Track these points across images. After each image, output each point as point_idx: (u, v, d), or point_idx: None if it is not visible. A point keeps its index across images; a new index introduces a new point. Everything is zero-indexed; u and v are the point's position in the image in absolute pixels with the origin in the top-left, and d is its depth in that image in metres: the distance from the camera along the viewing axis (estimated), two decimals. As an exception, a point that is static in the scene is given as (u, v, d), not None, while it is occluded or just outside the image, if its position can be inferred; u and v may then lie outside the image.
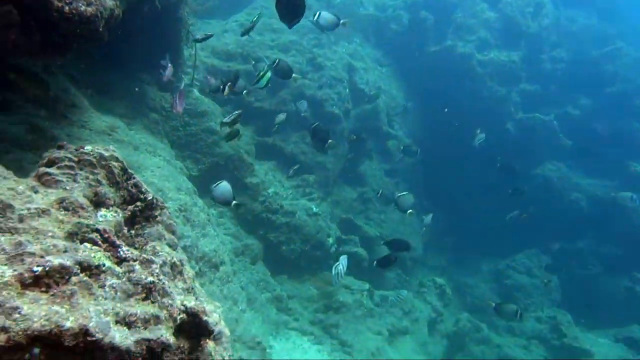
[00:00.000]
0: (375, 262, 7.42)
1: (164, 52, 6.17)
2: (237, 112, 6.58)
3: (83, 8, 3.10)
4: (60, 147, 2.20)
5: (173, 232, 2.43)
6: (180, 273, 2.31)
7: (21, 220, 1.72)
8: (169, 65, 6.26)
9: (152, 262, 2.03)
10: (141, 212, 2.32)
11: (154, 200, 2.36)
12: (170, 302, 1.99)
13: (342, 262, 6.82)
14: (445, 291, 10.33)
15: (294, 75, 7.33)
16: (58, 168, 2.09)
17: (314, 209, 9.19)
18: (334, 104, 9.92)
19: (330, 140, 6.24)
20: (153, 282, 1.98)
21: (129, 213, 2.30)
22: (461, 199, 12.71)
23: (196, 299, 2.43)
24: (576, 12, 15.52)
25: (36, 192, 1.93)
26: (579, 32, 14.77)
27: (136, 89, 6.26)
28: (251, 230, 8.65)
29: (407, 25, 12.13)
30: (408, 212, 7.67)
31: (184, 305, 2.07)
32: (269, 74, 6.48)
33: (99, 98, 5.61)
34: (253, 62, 8.88)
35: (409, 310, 9.38)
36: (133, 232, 2.28)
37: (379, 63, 12.10)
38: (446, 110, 10.51)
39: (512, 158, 12.43)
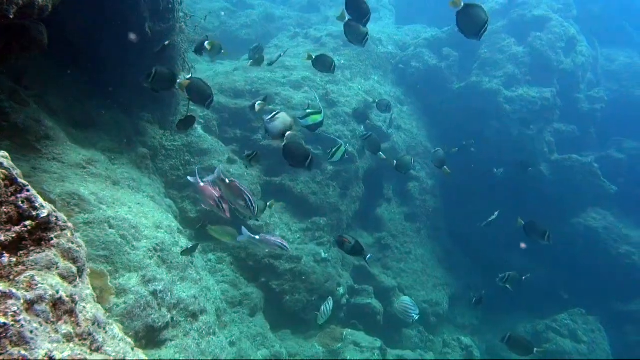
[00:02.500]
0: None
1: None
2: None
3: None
4: None
5: (74, 260, 1.99)
6: (70, 313, 1.83)
7: None
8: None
9: (11, 296, 1.59)
10: (30, 234, 1.90)
11: (50, 219, 1.94)
12: (24, 353, 1.52)
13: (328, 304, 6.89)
14: (472, 354, 9.27)
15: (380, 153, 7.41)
16: None
17: (323, 254, 8.61)
18: (347, 142, 9.57)
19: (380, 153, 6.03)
20: (4, 324, 1.52)
21: (14, 235, 1.89)
22: (491, 248, 11.79)
23: (94, 348, 1.93)
24: (615, 51, 14.99)
25: None
26: (620, 71, 14.15)
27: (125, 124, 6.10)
28: (252, 278, 8.13)
29: (429, 62, 11.92)
30: (443, 168, 7.21)
31: (49, 358, 1.59)
32: (343, 149, 6.38)
33: (83, 132, 5.46)
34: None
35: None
36: (14, 259, 1.86)
37: (399, 101, 11.81)
38: (472, 150, 9.97)
39: (547, 204, 11.60)
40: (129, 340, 2.41)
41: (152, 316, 4.40)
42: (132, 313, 4.21)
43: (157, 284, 4.60)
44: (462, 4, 3.80)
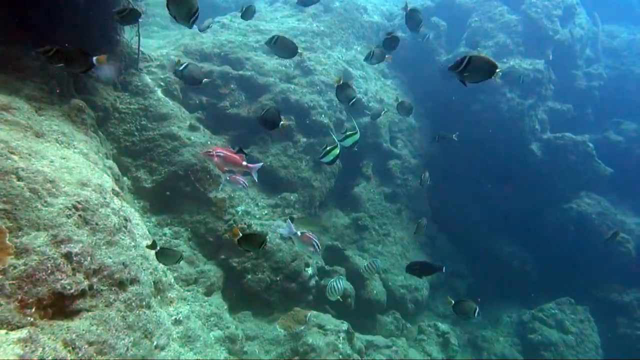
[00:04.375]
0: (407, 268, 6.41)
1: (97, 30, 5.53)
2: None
3: None
4: None
5: None
6: None
7: None
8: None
9: None
10: None
11: None
12: None
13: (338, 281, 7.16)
14: (449, 341, 8.88)
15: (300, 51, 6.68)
16: None
17: (291, 231, 8.15)
18: (322, 113, 9.09)
19: (283, 122, 5.43)
20: None
21: None
22: (477, 232, 11.40)
23: None
24: (617, 27, 14.48)
25: None
26: (621, 47, 13.66)
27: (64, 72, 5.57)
28: (212, 255, 7.68)
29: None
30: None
31: None
32: (337, 150, 6.05)
33: (3, 75, 4.95)
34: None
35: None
36: None
37: (382, 75, 11.31)
38: (455, 136, 9.50)
39: (537, 186, 11.18)
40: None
41: (62, 281, 3.93)
42: (35, 276, 3.74)
43: (72, 245, 4.12)
44: None
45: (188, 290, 7.08)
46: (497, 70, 3.64)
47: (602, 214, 11.68)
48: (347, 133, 6.53)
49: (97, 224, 4.62)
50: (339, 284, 7.09)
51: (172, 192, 7.65)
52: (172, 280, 6.39)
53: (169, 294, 6.21)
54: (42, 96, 5.29)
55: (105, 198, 4.94)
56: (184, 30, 10.29)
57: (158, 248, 4.99)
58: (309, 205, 8.87)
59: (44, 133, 4.97)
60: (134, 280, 4.84)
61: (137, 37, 6.67)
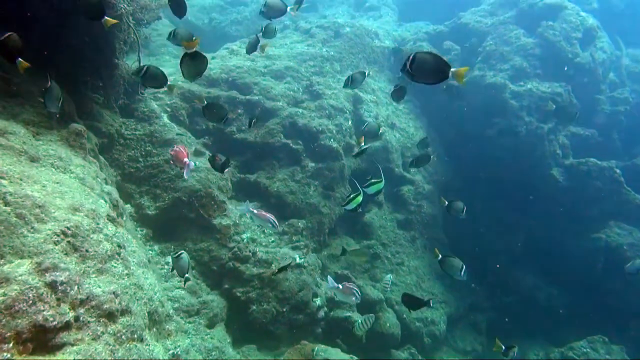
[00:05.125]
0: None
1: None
2: None
3: None
4: None
5: None
6: None
7: None
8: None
9: None
10: None
11: None
12: None
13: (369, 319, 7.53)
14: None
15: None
16: None
17: (298, 259, 7.91)
18: (331, 137, 8.96)
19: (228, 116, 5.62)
20: None
21: None
22: (497, 263, 10.91)
23: None
24: (642, 52, 14.14)
25: None
26: (649, 74, 13.26)
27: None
28: (216, 285, 7.47)
29: (429, 58, 11.28)
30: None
31: None
32: (360, 198, 6.40)
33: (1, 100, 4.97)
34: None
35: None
36: None
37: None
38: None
39: (561, 215, 10.71)
40: None
41: (45, 313, 3.76)
42: (14, 308, 3.58)
43: (57, 273, 3.98)
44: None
45: (190, 322, 6.85)
46: (452, 70, 3.32)
47: (635, 246, 11.07)
48: (372, 180, 6.74)
49: (87, 250, 4.48)
50: (370, 321, 7.50)
51: (175, 219, 7.53)
52: (171, 311, 6.18)
53: (167, 326, 5.99)
54: (41, 121, 5.28)
55: (98, 224, 4.82)
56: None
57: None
58: (317, 233, 8.64)
59: (40, 158, 4.92)
60: (125, 311, 4.64)
61: (138, 63, 6.70)
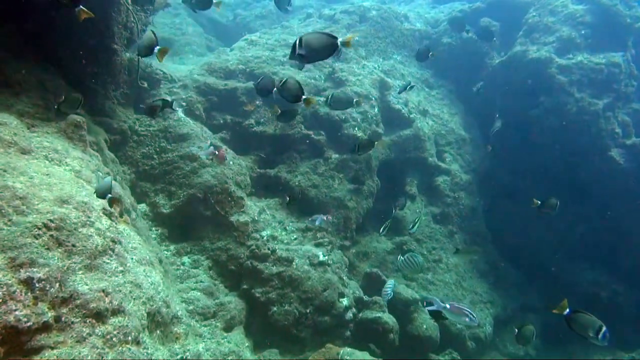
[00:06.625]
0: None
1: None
2: None
3: None
4: None
5: None
6: None
7: None
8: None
9: None
10: None
11: None
12: None
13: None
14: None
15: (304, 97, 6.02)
16: None
17: (322, 256, 7.42)
18: (355, 125, 8.42)
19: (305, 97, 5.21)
20: None
21: None
22: (549, 258, 9.92)
23: None
24: None
25: None
26: None
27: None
28: (235, 286, 7.11)
29: (464, 36, 10.49)
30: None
31: None
32: (423, 217, 7.14)
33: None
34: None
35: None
36: None
37: (427, 85, 10.49)
38: (490, 148, 8.47)
39: (622, 202, 9.58)
40: None
41: (17, 312, 3.48)
42: (-20, 307, 3.32)
43: (35, 270, 3.70)
44: None
45: (205, 325, 6.51)
46: (339, 41, 3.41)
47: None
48: (416, 219, 7.85)
49: (74, 245, 4.20)
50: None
51: (191, 217, 7.26)
52: (180, 313, 5.85)
53: (175, 329, 5.65)
54: (37, 112, 5.11)
55: (89, 217, 4.53)
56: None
57: None
58: (343, 228, 8.11)
59: (32, 150, 4.73)
60: (116, 311, 4.31)
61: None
